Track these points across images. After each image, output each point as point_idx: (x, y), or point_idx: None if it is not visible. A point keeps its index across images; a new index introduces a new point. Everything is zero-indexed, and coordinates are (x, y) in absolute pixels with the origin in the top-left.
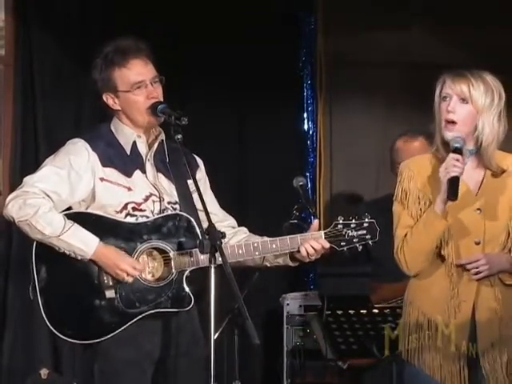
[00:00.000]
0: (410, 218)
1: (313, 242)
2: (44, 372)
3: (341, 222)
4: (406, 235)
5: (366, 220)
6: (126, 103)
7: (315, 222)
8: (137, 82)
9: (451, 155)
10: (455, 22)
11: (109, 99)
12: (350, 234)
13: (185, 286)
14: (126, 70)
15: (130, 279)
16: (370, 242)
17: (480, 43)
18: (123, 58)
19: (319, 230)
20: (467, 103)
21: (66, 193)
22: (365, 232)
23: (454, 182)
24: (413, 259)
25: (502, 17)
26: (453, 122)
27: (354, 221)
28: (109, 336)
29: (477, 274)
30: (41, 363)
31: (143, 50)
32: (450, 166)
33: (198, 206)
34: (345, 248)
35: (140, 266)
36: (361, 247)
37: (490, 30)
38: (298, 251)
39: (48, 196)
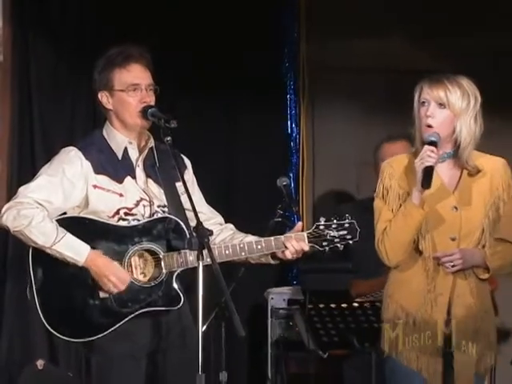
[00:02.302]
0: (390, 213)
1: (294, 243)
2: (40, 363)
3: (322, 222)
4: (385, 228)
5: (347, 221)
6: (118, 103)
7: (299, 224)
8: (133, 84)
9: (426, 147)
10: (433, 29)
11: (103, 97)
12: (332, 235)
13: (175, 285)
14: (126, 71)
15: (114, 291)
16: (350, 242)
17: (456, 49)
18: (125, 61)
19: (302, 231)
20: (445, 108)
21: (59, 201)
22: (346, 232)
23: (428, 172)
24: (392, 250)
25: (478, 23)
26: (432, 126)
27: (335, 221)
28: (103, 334)
29: (451, 267)
30: (37, 355)
31: (145, 57)
32: (425, 156)
33: (187, 205)
34: (326, 248)
35: (127, 278)
36: (342, 247)
37: (466, 37)
38: (281, 251)
39: (42, 205)
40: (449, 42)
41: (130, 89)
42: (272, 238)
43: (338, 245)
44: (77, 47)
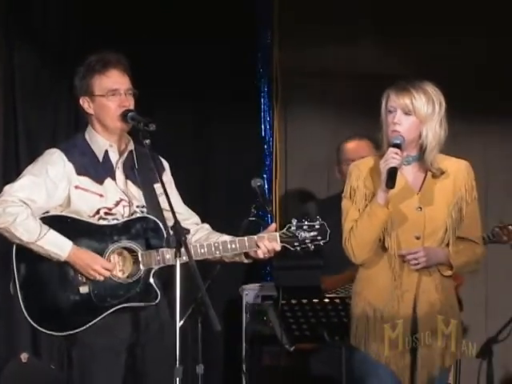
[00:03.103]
0: (357, 213)
1: (266, 243)
2: (24, 356)
3: (294, 223)
4: (352, 227)
5: (318, 222)
6: (99, 107)
7: (272, 225)
8: (112, 90)
9: (390, 149)
10: (399, 36)
11: (85, 103)
12: (303, 236)
13: (152, 282)
14: (105, 77)
15: (101, 278)
16: (321, 243)
17: (422, 55)
18: (104, 67)
19: (276, 231)
20: (411, 115)
21: (42, 200)
22: (316, 233)
23: (392, 173)
24: (358, 248)
25: (442, 29)
26: (399, 132)
27: (306, 223)
28: (83, 328)
29: (415, 265)
30: (21, 348)
31: (123, 63)
32: (389, 158)
33: (165, 205)
34: (298, 248)
35: (110, 266)
36: (313, 247)
37: (432, 43)
38: (254, 250)
39: (26, 204)
40: (416, 48)
41: (110, 94)
42: (245, 237)
43: (309, 245)
44: (59, 55)
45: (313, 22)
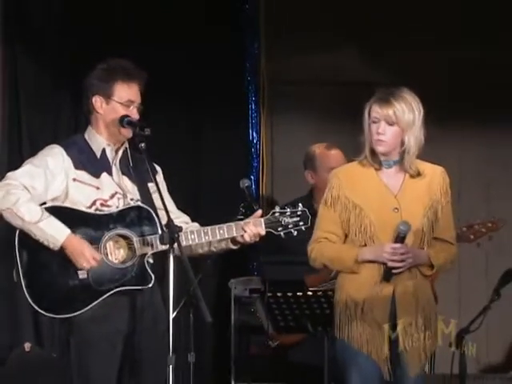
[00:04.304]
0: (331, 224)
1: (252, 227)
2: (27, 345)
3: (277, 210)
4: (322, 239)
5: (299, 209)
6: (111, 111)
7: (258, 212)
8: (130, 100)
9: (395, 248)
10: (381, 45)
11: (97, 101)
12: (286, 221)
13: (146, 266)
14: (127, 87)
15: (87, 266)
16: (303, 228)
17: (405, 62)
18: (128, 77)
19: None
20: (393, 125)
21: (41, 188)
22: (298, 219)
23: (390, 271)
24: (317, 263)
25: (422, 39)
26: (383, 141)
27: (288, 210)
28: (82, 311)
29: (399, 267)
30: (24, 338)
31: (143, 78)
32: (396, 262)
33: (158, 204)
34: (281, 233)
35: (98, 257)
36: (296, 232)
37: (415, 50)
38: (241, 235)
39: (27, 189)
40: (398, 56)
41: (126, 104)
42: (232, 223)
43: (292, 230)
44: (59, 61)
45: (298, 32)
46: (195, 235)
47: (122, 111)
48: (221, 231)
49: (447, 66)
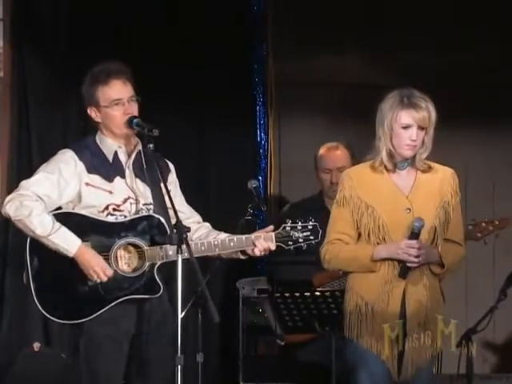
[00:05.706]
0: (345, 226)
1: (262, 242)
2: (36, 345)
3: (289, 224)
4: (336, 241)
5: (310, 223)
6: (105, 117)
7: (270, 227)
8: (115, 100)
9: (410, 245)
10: (384, 48)
11: (92, 112)
12: (297, 235)
13: (156, 275)
14: (108, 88)
15: (99, 280)
16: (313, 242)
17: (408, 64)
18: (106, 78)
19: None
20: (425, 128)
21: (55, 195)
22: (309, 233)
23: (406, 267)
24: (334, 266)
25: (427, 40)
26: (414, 146)
27: (299, 224)
28: (90, 317)
29: (415, 262)
30: (34, 338)
31: (124, 72)
32: (411, 257)
33: (169, 204)
34: (291, 247)
35: (110, 273)
36: (305, 246)
37: (417, 52)
38: (251, 249)
39: (41, 198)
40: (401, 57)
41: (113, 104)
42: (243, 236)
43: (302, 244)
44: (67, 64)
45: (304, 36)
46: (206, 246)
47: (114, 113)
48: (231, 244)
49: (448, 67)
